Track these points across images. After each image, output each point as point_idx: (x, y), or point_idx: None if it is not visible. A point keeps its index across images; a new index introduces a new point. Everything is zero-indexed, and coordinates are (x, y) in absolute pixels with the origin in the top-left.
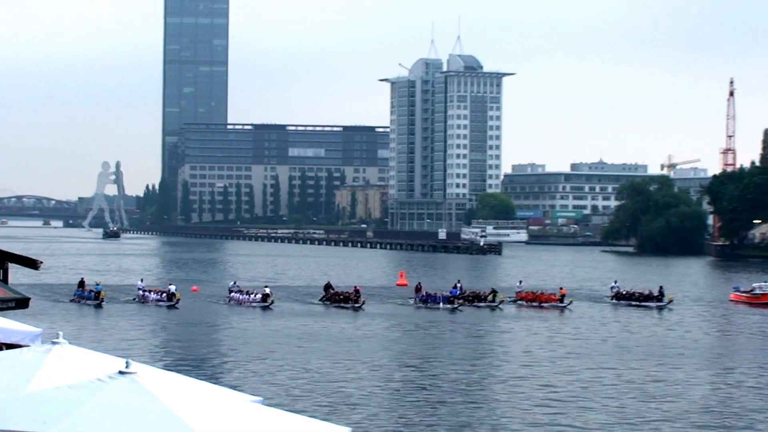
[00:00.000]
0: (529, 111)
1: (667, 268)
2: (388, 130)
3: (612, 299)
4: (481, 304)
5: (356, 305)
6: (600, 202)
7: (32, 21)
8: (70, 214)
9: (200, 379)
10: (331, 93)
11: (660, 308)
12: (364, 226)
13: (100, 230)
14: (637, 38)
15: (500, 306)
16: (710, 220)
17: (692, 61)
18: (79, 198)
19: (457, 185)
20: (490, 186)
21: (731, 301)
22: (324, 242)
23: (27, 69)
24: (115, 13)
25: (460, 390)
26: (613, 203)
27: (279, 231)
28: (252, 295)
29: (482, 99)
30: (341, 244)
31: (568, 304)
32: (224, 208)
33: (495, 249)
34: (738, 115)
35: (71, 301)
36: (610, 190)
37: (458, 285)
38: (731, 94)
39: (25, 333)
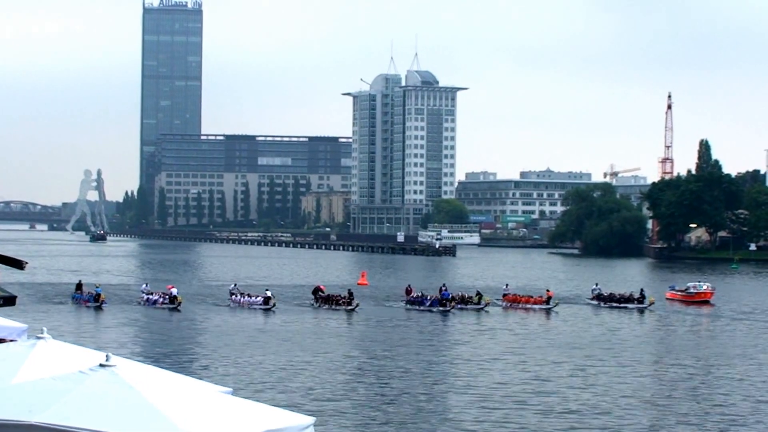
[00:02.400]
0: (481, 123)
1: (609, 269)
2: (350, 140)
3: (593, 301)
4: (468, 307)
5: (349, 307)
6: (547, 208)
7: (21, 39)
8: (55, 218)
9: (178, 372)
10: (298, 106)
11: (641, 310)
12: (328, 229)
13: (83, 233)
14: (583, 55)
15: (486, 308)
16: (649, 224)
17: (633, 77)
18: (63, 203)
19: (415, 191)
20: (445, 192)
21: (667, 299)
22: (291, 245)
23: (16, 84)
24: (98, 32)
25: (430, 387)
26: (559, 209)
27: (249, 234)
28: (253, 298)
29: (438, 112)
30: (307, 246)
31: (554, 306)
32: (198, 213)
33: (449, 251)
34: (675, 126)
35: (71, 303)
36: (556, 196)
37: (444, 288)
38: (669, 107)
39: (12, 328)
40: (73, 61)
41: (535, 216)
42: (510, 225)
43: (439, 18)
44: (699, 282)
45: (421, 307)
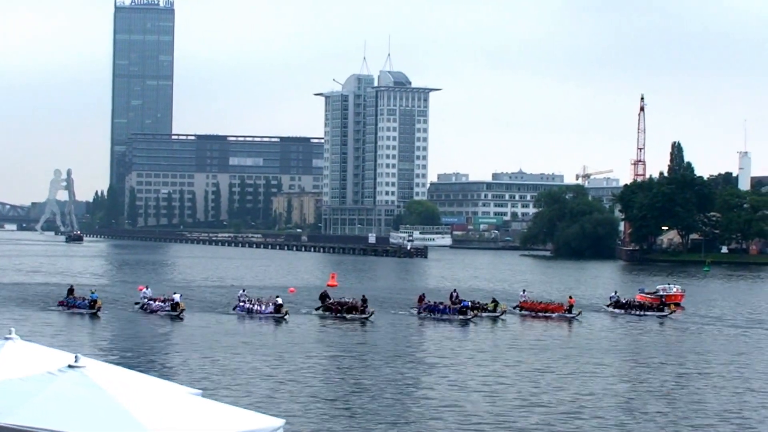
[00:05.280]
0: (454, 124)
1: (581, 271)
2: (322, 141)
3: (612, 308)
4: (482, 314)
5: (363, 316)
6: (519, 210)
7: None
8: (24, 218)
9: (152, 375)
10: (270, 106)
11: (661, 318)
12: (299, 230)
13: (52, 233)
14: (555, 56)
15: (502, 317)
16: (621, 226)
17: (606, 79)
18: (32, 203)
19: (387, 193)
20: (417, 194)
21: None
22: (262, 245)
23: None
24: (68, 30)
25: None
26: (531, 210)
27: (219, 235)
28: (264, 306)
29: (410, 113)
30: (278, 247)
31: (577, 315)
32: (168, 213)
33: (421, 253)
34: (648, 129)
35: (60, 305)
36: (528, 198)
37: (455, 293)
38: (642, 109)
39: None
40: (43, 59)
41: (507, 218)
42: (482, 227)
43: (412, 19)
44: (669, 284)
45: (436, 315)
